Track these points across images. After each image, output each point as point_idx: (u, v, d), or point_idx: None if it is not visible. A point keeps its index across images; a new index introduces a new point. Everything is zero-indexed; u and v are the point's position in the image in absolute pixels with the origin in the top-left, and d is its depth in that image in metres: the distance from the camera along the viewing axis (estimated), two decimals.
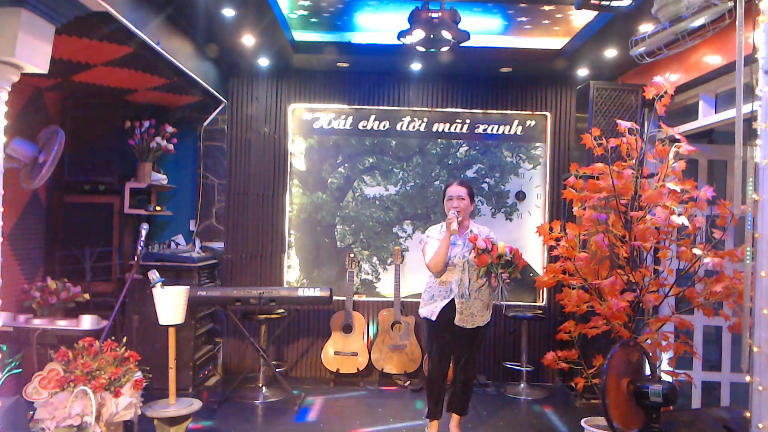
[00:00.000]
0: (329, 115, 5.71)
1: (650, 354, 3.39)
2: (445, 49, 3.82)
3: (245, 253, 5.63)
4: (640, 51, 3.25)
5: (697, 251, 3.37)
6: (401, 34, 3.77)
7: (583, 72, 5.25)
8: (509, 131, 5.68)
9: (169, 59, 4.05)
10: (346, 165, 5.72)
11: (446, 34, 3.64)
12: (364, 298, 5.63)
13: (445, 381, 3.87)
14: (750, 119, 2.46)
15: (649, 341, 3.58)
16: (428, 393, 3.90)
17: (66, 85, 4.54)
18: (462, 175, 5.66)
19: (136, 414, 3.41)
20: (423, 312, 3.87)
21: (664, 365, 3.85)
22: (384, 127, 5.69)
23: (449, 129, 5.69)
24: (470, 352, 3.85)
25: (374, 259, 5.70)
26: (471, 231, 3.84)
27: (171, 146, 5.17)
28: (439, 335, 3.79)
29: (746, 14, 2.56)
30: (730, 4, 2.73)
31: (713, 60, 3.94)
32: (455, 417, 3.93)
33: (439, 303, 3.77)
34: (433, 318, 3.77)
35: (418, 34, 3.69)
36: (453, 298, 3.74)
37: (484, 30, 4.62)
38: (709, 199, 3.49)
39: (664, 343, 3.63)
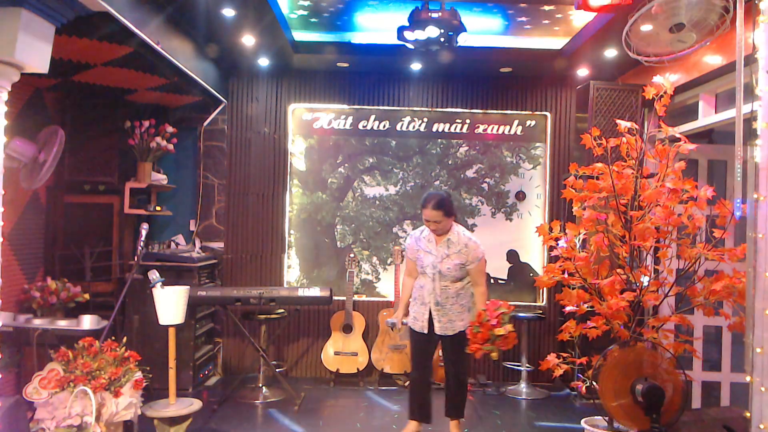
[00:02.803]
0: (329, 115, 5.71)
1: (663, 347, 3.37)
2: (444, 49, 3.81)
3: (245, 253, 5.62)
4: (648, 61, 3.25)
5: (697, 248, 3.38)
6: (400, 33, 3.77)
7: (583, 72, 5.25)
8: (509, 131, 5.68)
9: (169, 59, 4.06)
10: (346, 165, 5.72)
11: (446, 34, 3.64)
12: (364, 298, 5.63)
13: (429, 383, 3.91)
14: (750, 119, 2.46)
15: (648, 340, 3.57)
16: (409, 395, 3.94)
17: (66, 85, 4.54)
18: (462, 175, 5.66)
19: (136, 414, 3.42)
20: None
21: None
22: (384, 127, 5.69)
23: (449, 129, 5.69)
24: (458, 355, 3.83)
25: (374, 259, 5.70)
26: (449, 239, 3.81)
27: (171, 146, 5.17)
28: (419, 337, 3.85)
29: (746, 14, 2.56)
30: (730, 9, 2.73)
31: (713, 60, 3.94)
32: (453, 421, 3.92)
33: (420, 310, 3.83)
34: (425, 331, 3.82)
35: (418, 34, 3.69)
36: (429, 308, 3.81)
37: (484, 30, 4.62)
38: (709, 199, 3.49)
39: (664, 342, 3.63)
